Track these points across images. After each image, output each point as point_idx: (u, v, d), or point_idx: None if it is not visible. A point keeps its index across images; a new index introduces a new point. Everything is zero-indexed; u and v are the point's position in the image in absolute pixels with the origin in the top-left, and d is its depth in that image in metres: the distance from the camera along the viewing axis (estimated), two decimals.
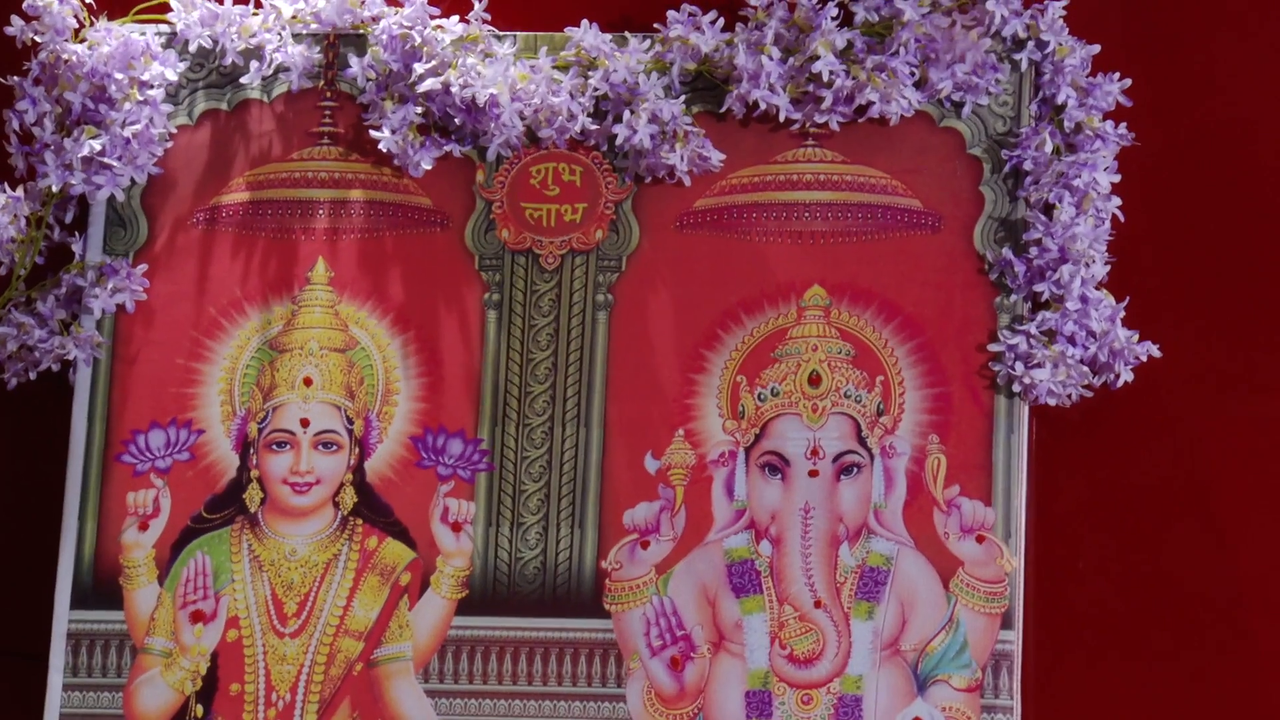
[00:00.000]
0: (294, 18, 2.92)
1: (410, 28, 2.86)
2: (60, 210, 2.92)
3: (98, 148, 2.85)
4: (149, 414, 2.89)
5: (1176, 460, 2.89)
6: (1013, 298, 2.77)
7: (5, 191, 2.88)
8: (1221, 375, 2.88)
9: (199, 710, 2.80)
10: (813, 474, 2.78)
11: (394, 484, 2.84)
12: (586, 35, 2.84)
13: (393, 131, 2.85)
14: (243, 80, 2.93)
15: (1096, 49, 2.80)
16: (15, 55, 2.94)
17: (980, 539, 2.73)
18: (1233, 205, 2.90)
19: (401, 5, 2.90)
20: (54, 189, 2.87)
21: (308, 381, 2.87)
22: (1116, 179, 2.78)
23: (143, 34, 2.92)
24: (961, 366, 2.78)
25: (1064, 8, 2.81)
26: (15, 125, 2.90)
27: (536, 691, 2.77)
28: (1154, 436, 2.87)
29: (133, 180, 2.90)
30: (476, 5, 2.88)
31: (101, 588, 2.84)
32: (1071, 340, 2.74)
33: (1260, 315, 2.90)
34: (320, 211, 2.91)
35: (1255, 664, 2.86)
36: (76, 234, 2.92)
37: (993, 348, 2.76)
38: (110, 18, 2.94)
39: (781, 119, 2.82)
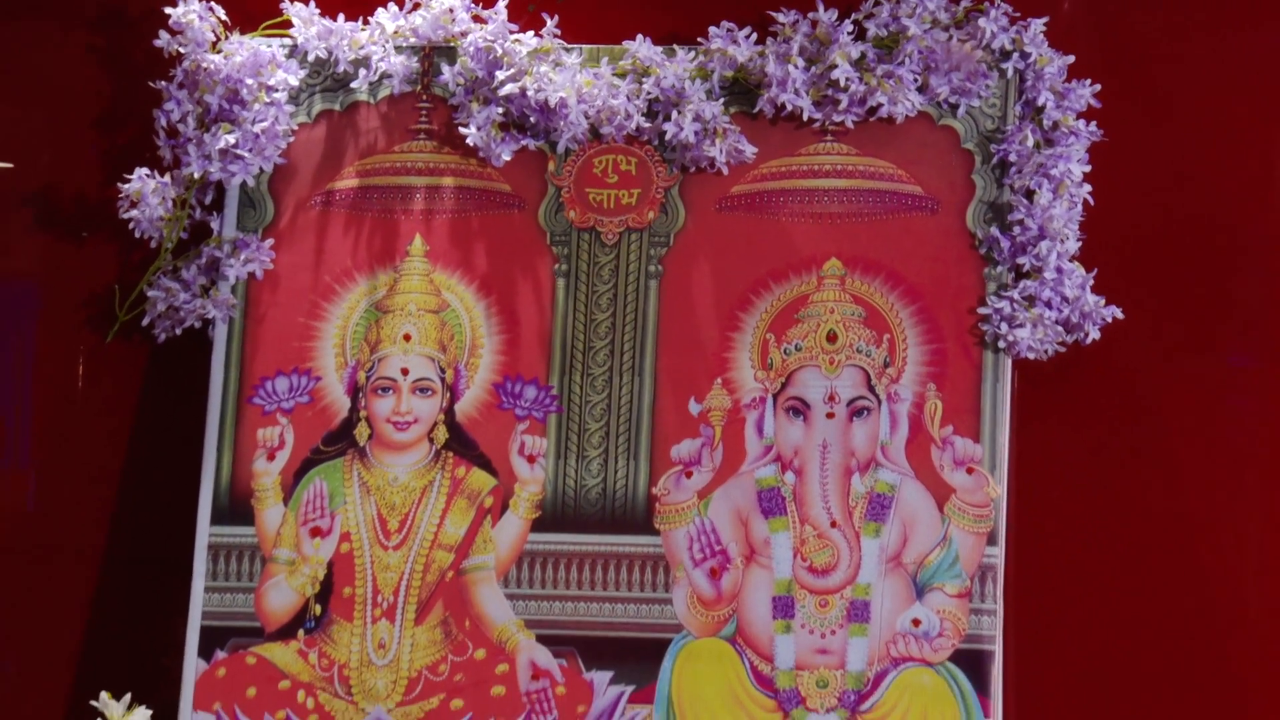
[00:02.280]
0: (395, 33, 2.90)
1: (493, 41, 2.84)
2: (200, 194, 2.91)
3: (232, 141, 2.85)
4: (275, 363, 2.88)
5: (1137, 405, 2.85)
6: (999, 269, 2.75)
7: (155, 178, 2.86)
8: (1175, 335, 2.84)
9: (317, 609, 2.79)
10: (830, 416, 2.76)
11: (479, 423, 2.83)
12: (641, 48, 2.83)
13: (478, 128, 2.83)
14: (352, 85, 2.92)
15: (1071, 59, 2.78)
16: (162, 64, 2.92)
17: (970, 470, 2.71)
18: (1188, 192, 2.86)
19: (485, 22, 2.87)
20: (195, 176, 2.87)
21: (407, 337, 2.86)
22: (1087, 169, 2.76)
23: (269, 46, 2.90)
24: (955, 326, 2.76)
25: (1044, 24, 2.78)
26: (163, 122, 2.90)
27: (598, 596, 2.76)
28: (1118, 385, 2.84)
29: (261, 169, 2.89)
30: (549, 22, 2.86)
31: (236, 508, 2.83)
32: (1048, 304, 2.72)
33: (1211, 286, 2.85)
34: (417, 195, 2.90)
35: (1201, 573, 2.82)
36: (214, 213, 2.91)
37: (982, 311, 2.74)
38: (242, 33, 2.93)
39: (805, 118, 2.80)
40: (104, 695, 2.66)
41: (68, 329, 3.08)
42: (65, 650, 3.01)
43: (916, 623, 2.70)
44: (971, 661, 2.68)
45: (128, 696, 2.66)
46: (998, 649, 2.68)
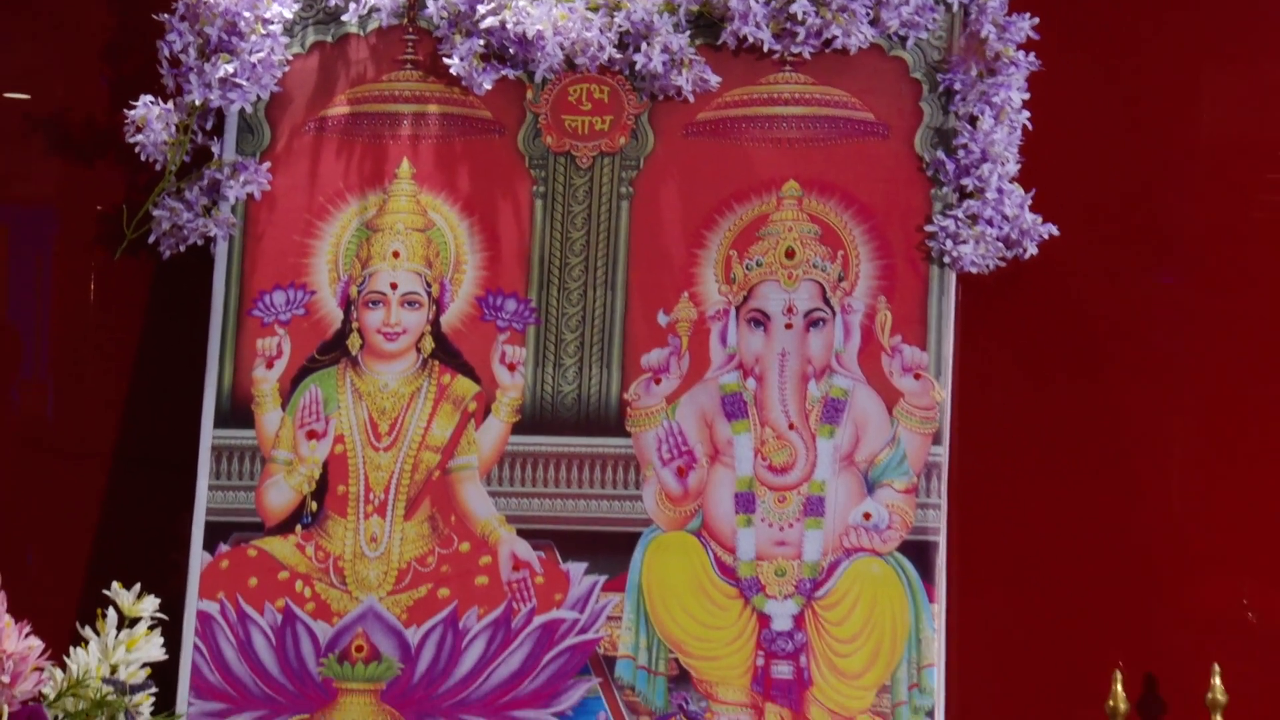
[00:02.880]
0: None
1: None
2: (202, 120, 2.90)
3: (231, 70, 2.85)
4: (273, 278, 2.88)
5: (1071, 316, 2.87)
6: (944, 189, 2.77)
7: (159, 105, 2.86)
8: (1108, 252, 2.87)
9: (314, 506, 2.81)
10: (788, 326, 2.78)
11: (463, 334, 2.84)
12: None
13: (461, 59, 2.83)
14: (343, 18, 2.91)
15: None
16: None
17: (917, 376, 2.74)
18: (1120, 118, 2.87)
19: None
20: (197, 103, 2.87)
21: (396, 254, 2.86)
22: (1026, 96, 2.77)
23: None
24: (904, 243, 2.77)
25: None
26: (166, 53, 2.89)
27: (573, 493, 2.79)
28: (1054, 297, 2.85)
29: (258, 96, 2.89)
30: None
31: (237, 412, 2.84)
32: (990, 222, 2.74)
33: (1141, 206, 2.87)
34: (404, 122, 2.89)
35: (1129, 470, 2.85)
36: (215, 138, 2.91)
37: (929, 229, 2.76)
38: None
39: (765, 50, 2.80)
40: (115, 585, 2.66)
41: (80, 247, 3.09)
42: (80, 544, 3.02)
43: (867, 516, 2.72)
44: (918, 552, 2.70)
45: (137, 586, 2.66)
46: (942, 540, 2.70)
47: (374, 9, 2.90)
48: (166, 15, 2.90)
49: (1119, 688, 2.65)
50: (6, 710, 2.56)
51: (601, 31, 2.81)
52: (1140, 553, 2.85)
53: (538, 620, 2.76)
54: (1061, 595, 2.85)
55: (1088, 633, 2.82)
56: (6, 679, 2.54)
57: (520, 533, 2.79)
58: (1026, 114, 2.77)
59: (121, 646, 2.66)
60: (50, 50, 3.12)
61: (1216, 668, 2.68)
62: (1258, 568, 2.84)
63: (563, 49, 2.83)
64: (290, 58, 2.92)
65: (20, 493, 3.07)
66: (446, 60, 2.85)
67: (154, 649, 2.68)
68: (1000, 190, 2.75)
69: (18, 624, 2.58)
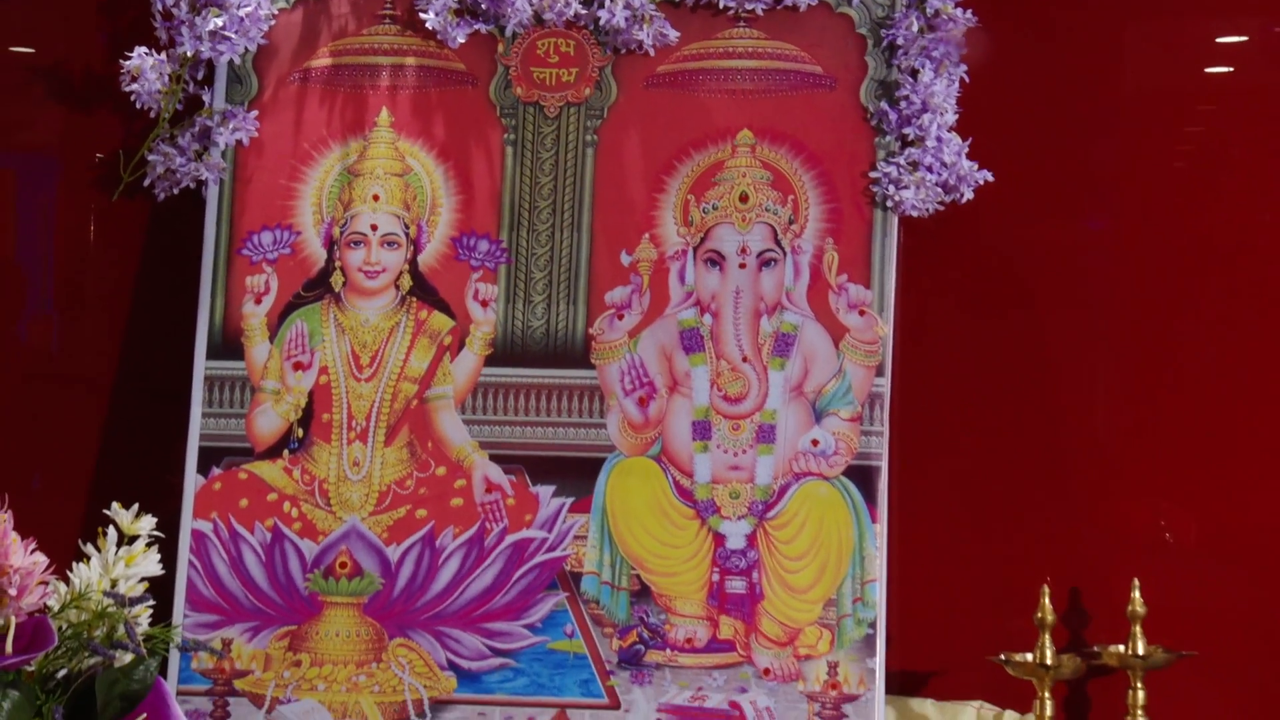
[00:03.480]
0: None
1: None
2: (193, 70, 2.89)
3: (220, 24, 2.83)
4: (260, 219, 2.87)
5: (1005, 257, 2.90)
6: (887, 138, 2.77)
7: (153, 56, 2.84)
8: (1040, 198, 2.88)
9: (300, 432, 2.82)
10: (742, 266, 2.78)
11: (438, 272, 2.83)
12: None
13: (436, 14, 2.82)
14: None
15: None
16: None
17: (862, 312, 2.74)
18: (1052, 71, 2.88)
19: None
20: (188, 54, 2.85)
21: (376, 198, 2.85)
22: (964, 50, 2.77)
23: None
24: (849, 188, 2.78)
25: None
26: (159, 7, 2.87)
27: (542, 421, 2.79)
28: (989, 239, 2.87)
29: (246, 48, 2.87)
30: None
31: (228, 344, 2.84)
32: (929, 169, 2.74)
33: (1071, 154, 2.88)
34: (383, 73, 2.88)
35: (1056, 400, 2.87)
36: (205, 88, 2.89)
37: (873, 175, 2.76)
38: None
39: (721, 6, 2.80)
40: (115, 505, 2.66)
41: (80, 190, 3.08)
42: (82, 467, 3.04)
43: (815, 443, 2.73)
44: (862, 475, 2.72)
45: (135, 506, 2.66)
46: (884, 465, 2.72)
47: None
48: None
49: (1046, 600, 2.67)
50: (14, 621, 2.55)
51: None
52: (1066, 477, 2.88)
53: (509, 539, 2.77)
54: (994, 516, 2.89)
55: (1018, 550, 2.86)
56: (14, 592, 2.55)
57: (493, 458, 2.79)
58: (964, 67, 2.78)
59: (121, 562, 2.67)
60: (50, 5, 3.10)
61: (1136, 582, 2.72)
62: (1174, 491, 2.87)
63: (531, 5, 2.82)
64: (276, 12, 2.90)
65: (26, 420, 3.08)
66: (422, 15, 2.84)
67: (151, 565, 2.69)
68: (939, 139, 2.75)
69: (24, 541, 2.58)
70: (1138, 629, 2.69)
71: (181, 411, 2.83)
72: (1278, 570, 2.82)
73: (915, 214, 2.76)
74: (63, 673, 2.59)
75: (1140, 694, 2.69)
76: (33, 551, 2.56)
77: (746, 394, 2.76)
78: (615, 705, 2.71)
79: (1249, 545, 2.83)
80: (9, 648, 2.50)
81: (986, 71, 2.81)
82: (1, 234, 3.17)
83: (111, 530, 2.67)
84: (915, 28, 2.75)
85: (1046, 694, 2.65)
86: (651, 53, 2.82)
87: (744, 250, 2.78)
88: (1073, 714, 2.83)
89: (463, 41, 2.84)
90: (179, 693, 2.71)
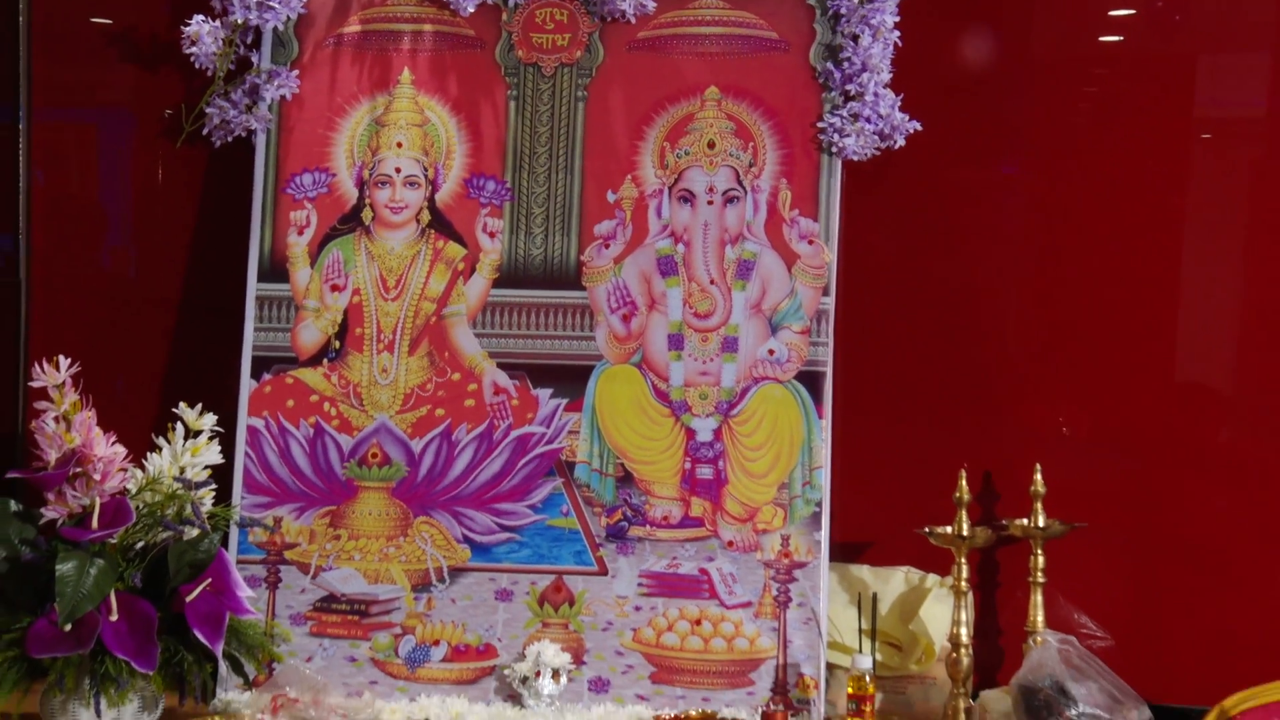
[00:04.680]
0: None
1: None
2: (244, 35, 2.89)
3: None
4: (302, 163, 2.88)
5: (931, 195, 2.90)
6: (832, 93, 2.78)
7: (209, 23, 2.85)
8: (962, 145, 2.88)
9: (336, 344, 2.84)
10: (709, 203, 2.80)
11: (453, 208, 2.85)
12: None
13: None
14: None
15: None
16: None
17: (810, 242, 2.76)
18: (973, 35, 2.86)
19: None
20: (239, 21, 2.86)
21: (399, 145, 2.86)
22: (898, 19, 2.78)
23: None
24: (800, 136, 2.79)
25: None
26: None
27: (541, 334, 2.81)
28: (919, 180, 2.88)
29: (288, 17, 2.88)
30: None
31: (276, 270, 2.86)
32: (868, 120, 2.76)
33: (989, 109, 2.87)
34: (405, 38, 2.88)
35: (975, 319, 2.87)
36: (254, 50, 2.90)
37: (820, 125, 2.77)
38: None
39: None
40: (182, 405, 2.71)
41: (149, 139, 3.08)
42: (154, 373, 3.06)
43: (771, 352, 2.77)
44: (810, 380, 2.75)
45: (199, 406, 2.71)
46: (829, 371, 2.75)
47: None
48: None
49: (963, 483, 2.72)
50: (99, 501, 2.60)
51: None
52: (981, 380, 2.90)
53: (514, 434, 2.80)
54: (920, 413, 2.92)
55: (940, 441, 2.89)
56: (98, 478, 2.61)
57: (500, 365, 2.82)
58: (897, 33, 2.79)
59: (188, 452, 2.73)
60: None
61: (1038, 467, 2.77)
62: (1070, 393, 2.90)
63: None
64: None
65: (109, 334, 3.09)
66: None
67: (213, 455, 2.75)
68: (876, 94, 2.77)
69: (105, 435, 2.64)
70: (1039, 505, 2.73)
71: (236, 326, 2.85)
72: (1152, 456, 2.84)
73: (856, 158, 2.78)
74: (140, 545, 2.65)
75: (1040, 559, 2.74)
76: (113, 443, 2.63)
77: (714, 311, 2.78)
78: (604, 572, 2.76)
79: (1129, 437, 2.86)
80: (95, 524, 2.56)
81: (917, 36, 2.81)
82: (85, 177, 3.19)
83: (179, 426, 2.73)
84: (856, 0, 2.77)
85: (963, 560, 2.69)
86: (633, 20, 2.82)
87: (711, 189, 2.80)
88: (984, 577, 2.87)
89: (472, 11, 2.84)
90: (238, 561, 2.75)
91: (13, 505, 2.59)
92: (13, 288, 3.10)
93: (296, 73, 2.88)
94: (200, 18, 2.86)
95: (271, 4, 2.84)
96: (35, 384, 2.59)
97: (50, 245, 3.12)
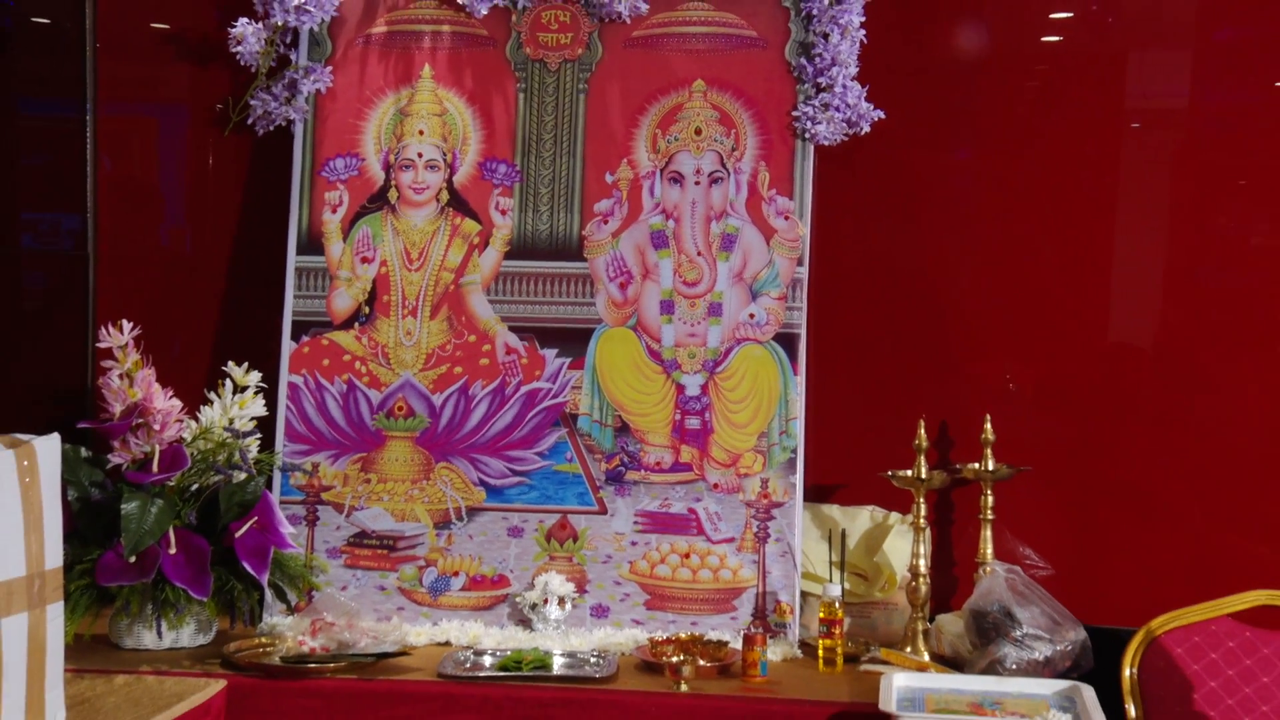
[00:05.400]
0: None
1: None
2: (283, 36, 2.89)
3: (303, 0, 2.83)
4: (334, 149, 2.88)
5: (893, 175, 2.90)
6: (805, 86, 2.78)
7: (253, 25, 2.85)
8: (920, 132, 2.88)
9: (366, 310, 2.84)
10: (697, 183, 2.80)
11: (469, 188, 2.85)
12: None
13: None
14: None
15: None
16: None
17: (786, 217, 2.77)
18: (930, 34, 2.87)
19: None
20: (279, 24, 2.85)
21: (421, 132, 2.86)
22: (863, 19, 2.77)
23: None
24: (777, 124, 2.80)
25: None
26: None
27: (548, 300, 2.82)
28: (882, 162, 2.88)
29: (323, 19, 2.87)
30: None
31: (312, 243, 2.86)
32: (837, 109, 2.76)
33: (945, 99, 2.87)
34: (426, 38, 2.87)
35: (933, 286, 2.88)
36: (293, 50, 2.90)
37: (794, 114, 2.78)
38: None
39: None
40: (230, 363, 2.75)
41: (201, 128, 3.09)
42: (206, 334, 3.07)
43: (752, 316, 2.78)
44: (787, 341, 2.77)
45: (245, 364, 2.75)
46: (803, 332, 2.77)
47: None
48: None
49: (922, 431, 2.71)
50: (158, 449, 2.63)
51: None
52: (938, 340, 2.90)
53: (523, 389, 2.81)
54: (884, 370, 2.92)
55: (901, 395, 2.89)
56: (157, 428, 2.64)
57: (511, 328, 2.82)
58: (863, 32, 2.78)
59: (236, 405, 2.75)
60: None
61: (988, 417, 2.77)
62: (1016, 352, 2.90)
63: None
64: None
65: (167, 301, 3.09)
66: None
67: (258, 408, 2.77)
68: (844, 86, 2.77)
69: (164, 390, 2.67)
70: (988, 451, 2.74)
71: (278, 294, 2.87)
72: (1086, 408, 2.85)
73: (826, 143, 2.79)
74: (194, 487, 2.69)
75: (989, 499, 2.76)
76: (170, 397, 2.67)
77: (700, 279, 2.79)
78: (603, 511, 2.77)
79: (1067, 390, 2.87)
80: (155, 468, 2.61)
81: (881, 34, 2.81)
82: (146, 164, 3.19)
83: (228, 382, 2.76)
84: (826, 1, 2.76)
85: (921, 500, 2.69)
86: (628, 21, 2.82)
87: (698, 171, 2.81)
88: (940, 515, 2.89)
89: (485, 13, 2.84)
90: (281, 502, 2.76)
91: (83, 452, 2.63)
92: (81, 261, 3.10)
93: (330, 69, 2.88)
94: (245, 20, 2.87)
95: (308, 8, 2.84)
96: (102, 345, 2.63)
97: (114, 223, 3.13)
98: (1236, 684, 2.52)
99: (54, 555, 2.07)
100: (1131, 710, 2.54)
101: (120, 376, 2.61)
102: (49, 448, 2.07)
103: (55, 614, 2.08)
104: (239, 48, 2.86)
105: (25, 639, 2.01)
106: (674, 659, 2.50)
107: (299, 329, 2.84)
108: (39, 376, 3.08)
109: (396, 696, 2.46)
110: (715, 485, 2.75)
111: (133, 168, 3.17)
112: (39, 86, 3.07)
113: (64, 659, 2.12)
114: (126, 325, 2.62)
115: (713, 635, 2.66)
